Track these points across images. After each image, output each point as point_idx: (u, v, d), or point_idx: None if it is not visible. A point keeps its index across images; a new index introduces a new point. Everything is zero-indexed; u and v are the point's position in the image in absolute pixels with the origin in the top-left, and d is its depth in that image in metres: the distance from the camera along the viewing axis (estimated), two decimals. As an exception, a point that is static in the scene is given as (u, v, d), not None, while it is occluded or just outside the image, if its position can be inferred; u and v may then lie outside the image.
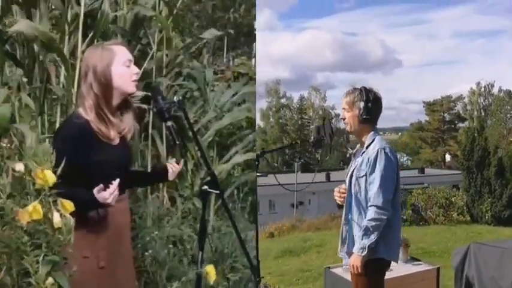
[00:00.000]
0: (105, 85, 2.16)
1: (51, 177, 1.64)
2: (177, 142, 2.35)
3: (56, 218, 1.70)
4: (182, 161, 2.51)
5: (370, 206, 2.73)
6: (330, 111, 50.71)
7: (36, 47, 3.24)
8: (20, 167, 1.59)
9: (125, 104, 2.28)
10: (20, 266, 1.66)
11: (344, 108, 2.92)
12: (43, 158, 1.67)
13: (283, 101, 50.62)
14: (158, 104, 2.31)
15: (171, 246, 3.59)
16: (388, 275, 3.81)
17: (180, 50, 4.50)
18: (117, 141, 2.26)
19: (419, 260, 4.50)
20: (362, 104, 2.82)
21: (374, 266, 2.79)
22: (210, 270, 2.22)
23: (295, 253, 9.91)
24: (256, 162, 2.83)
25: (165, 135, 4.27)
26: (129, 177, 2.37)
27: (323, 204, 26.78)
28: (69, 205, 1.77)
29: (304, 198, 30.00)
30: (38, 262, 1.66)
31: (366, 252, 2.72)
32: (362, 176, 2.80)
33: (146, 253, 3.53)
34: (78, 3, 3.41)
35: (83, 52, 3.32)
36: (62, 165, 1.76)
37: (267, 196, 28.27)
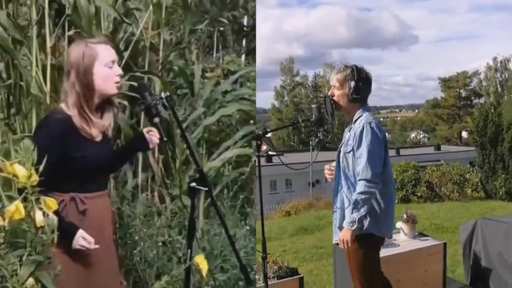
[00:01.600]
0: (87, 86, 2.24)
1: (21, 172, 1.72)
2: (165, 139, 2.45)
3: (39, 217, 1.79)
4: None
5: (359, 180, 2.82)
6: None
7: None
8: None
9: (107, 101, 2.37)
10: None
11: (334, 86, 3.03)
12: (24, 155, 1.76)
13: (297, 79, 51.17)
14: (145, 100, 2.39)
15: (160, 244, 3.68)
16: (394, 250, 4.11)
17: (170, 46, 4.57)
18: (99, 137, 2.35)
19: (426, 236, 4.64)
20: (353, 83, 2.94)
21: (364, 242, 2.89)
22: (201, 261, 2.23)
23: (310, 231, 10.18)
24: (258, 142, 2.90)
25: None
26: (111, 169, 2.50)
27: None
28: (53, 203, 1.85)
29: (321, 177, 30.57)
30: (21, 261, 1.75)
31: (355, 226, 2.81)
32: (349, 152, 2.92)
33: (135, 251, 3.62)
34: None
35: (51, 47, 3.40)
36: (44, 161, 1.87)
37: (284, 175, 29.49)
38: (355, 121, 2.97)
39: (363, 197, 2.79)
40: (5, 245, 1.73)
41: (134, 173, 4.27)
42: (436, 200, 16.12)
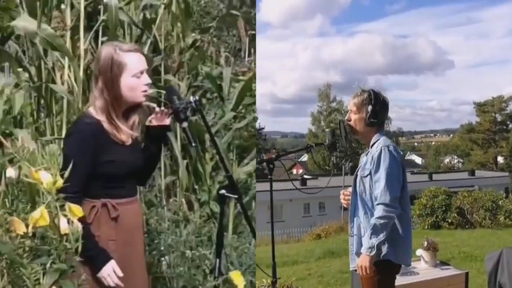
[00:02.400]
0: (115, 95, 2.23)
1: (46, 178, 1.68)
2: (193, 144, 2.40)
3: (63, 224, 1.75)
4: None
5: (378, 204, 2.76)
6: None
7: (40, 47, 3.33)
8: (10, 173, 1.63)
9: (133, 106, 2.34)
10: (19, 279, 1.69)
11: (351, 110, 3.00)
12: (49, 160, 1.72)
13: (333, 105, 52.04)
14: (173, 104, 2.36)
15: (188, 252, 3.63)
16: (413, 278, 4.01)
17: (191, 49, 4.56)
18: (129, 141, 2.32)
19: (448, 265, 4.52)
20: (370, 107, 2.89)
21: (381, 268, 2.81)
22: (236, 277, 2.19)
23: (337, 254, 10.01)
24: (271, 166, 2.91)
25: (181, 137, 4.33)
26: (142, 173, 2.45)
27: None
28: (77, 210, 1.81)
29: None
30: (44, 269, 1.71)
31: (374, 252, 2.74)
32: (366, 176, 2.86)
33: (162, 259, 3.58)
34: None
35: (84, 50, 3.41)
36: (74, 167, 1.84)
37: (317, 198, 29.18)
38: (372, 145, 2.93)
39: (382, 221, 2.73)
40: (28, 253, 1.68)
41: (160, 176, 4.24)
42: (467, 227, 15.79)
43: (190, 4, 4.50)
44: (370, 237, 2.74)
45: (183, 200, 4.44)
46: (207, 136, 4.24)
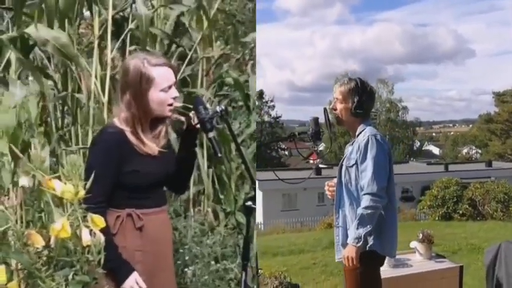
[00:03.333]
0: (143, 109, 2.22)
1: (59, 187, 1.65)
2: (220, 154, 2.36)
3: (85, 236, 1.72)
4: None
5: (364, 194, 2.73)
6: (397, 103, 51.85)
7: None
8: (24, 181, 1.61)
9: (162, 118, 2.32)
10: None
11: (337, 99, 2.95)
12: (71, 170, 1.70)
13: None
14: (200, 114, 2.33)
15: (213, 263, 3.59)
16: (406, 271, 4.01)
17: (220, 59, 4.55)
18: (156, 151, 2.29)
19: (443, 257, 4.46)
20: (357, 98, 2.85)
21: (365, 260, 2.76)
22: None
23: None
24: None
25: (207, 147, 4.31)
26: (177, 181, 2.43)
27: None
28: (100, 220, 1.78)
29: None
30: (66, 281, 1.68)
31: (361, 243, 2.70)
32: (352, 166, 2.83)
33: (186, 269, 3.55)
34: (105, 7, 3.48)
35: (112, 59, 3.41)
36: (92, 177, 1.82)
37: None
38: (358, 134, 2.89)
39: (369, 211, 2.69)
40: (47, 266, 1.65)
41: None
42: (478, 218, 15.69)
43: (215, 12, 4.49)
44: (357, 228, 2.71)
45: (209, 209, 4.41)
46: (232, 145, 4.22)
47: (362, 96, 2.86)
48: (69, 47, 2.87)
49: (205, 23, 4.19)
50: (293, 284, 3.84)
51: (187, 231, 3.88)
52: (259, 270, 2.88)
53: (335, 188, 2.98)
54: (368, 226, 2.69)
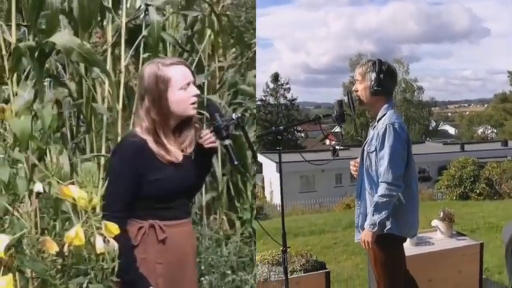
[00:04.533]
0: (162, 113, 2.19)
1: (76, 194, 1.66)
2: (236, 162, 2.35)
3: (99, 244, 1.72)
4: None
5: (381, 182, 2.86)
6: (413, 83, 51.83)
7: (80, 63, 3.38)
8: (38, 187, 1.61)
9: (185, 121, 2.30)
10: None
11: (357, 80, 3.05)
12: (85, 178, 1.71)
13: None
14: (215, 121, 2.32)
15: (229, 272, 3.58)
16: (427, 248, 4.17)
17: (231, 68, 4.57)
18: (180, 159, 2.26)
19: (464, 235, 4.56)
20: (374, 75, 2.93)
21: (385, 241, 2.93)
22: None
23: None
24: (279, 137, 2.94)
25: (221, 154, 4.31)
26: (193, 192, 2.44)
27: None
28: (114, 228, 1.78)
29: None
30: (81, 288, 1.68)
31: (376, 228, 2.86)
32: (372, 151, 2.95)
33: (202, 279, 3.54)
34: (118, 14, 3.51)
35: (125, 66, 3.44)
36: (107, 185, 1.83)
37: (349, 169, 29.03)
38: (378, 120, 2.98)
39: (384, 199, 2.83)
40: (61, 273, 1.65)
41: (201, 193, 4.22)
42: (495, 197, 15.68)
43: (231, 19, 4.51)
44: (373, 214, 2.85)
45: (224, 217, 4.40)
46: (248, 153, 4.21)
47: (379, 74, 2.93)
48: (94, 54, 2.90)
49: (217, 28, 4.21)
50: (319, 261, 3.94)
51: (203, 240, 3.87)
52: (288, 249, 2.97)
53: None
54: (383, 213, 2.83)
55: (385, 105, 2.98)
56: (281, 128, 2.97)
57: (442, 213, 4.46)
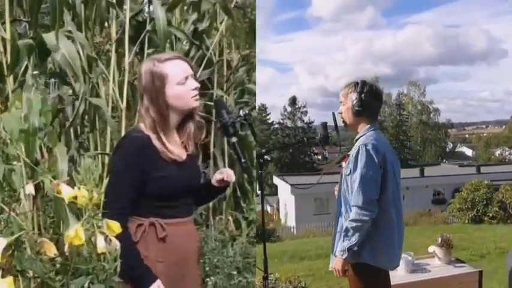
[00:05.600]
0: (161, 111, 2.16)
1: (68, 192, 1.62)
2: (243, 160, 2.30)
3: (100, 243, 1.68)
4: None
5: (352, 206, 2.73)
6: (429, 105, 52.63)
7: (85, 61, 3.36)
8: (30, 189, 1.58)
9: (188, 116, 2.26)
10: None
11: (341, 102, 2.99)
12: (85, 175, 1.67)
13: None
14: (222, 118, 2.29)
15: (234, 273, 3.55)
16: (423, 276, 4.04)
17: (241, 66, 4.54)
18: (183, 157, 2.23)
19: (463, 262, 4.42)
20: (355, 96, 2.86)
21: (361, 271, 2.79)
22: None
23: None
24: (261, 160, 2.84)
25: (228, 153, 4.27)
26: (197, 194, 2.36)
27: (417, 199, 28.24)
28: (116, 226, 1.74)
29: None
30: (82, 289, 1.65)
31: (346, 255, 2.72)
32: (348, 174, 2.82)
33: (207, 280, 3.51)
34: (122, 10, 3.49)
35: (130, 64, 3.41)
36: (108, 182, 1.79)
37: None
38: (356, 140, 2.89)
39: (354, 224, 2.70)
40: (61, 275, 1.62)
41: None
42: (509, 221, 15.40)
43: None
44: (343, 240, 2.73)
45: (230, 218, 4.37)
46: (254, 152, 4.17)
47: (361, 95, 2.86)
48: (76, 60, 2.87)
49: (226, 23, 4.18)
50: None
51: (208, 240, 3.84)
52: (270, 275, 2.88)
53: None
54: (353, 239, 2.69)
55: (367, 126, 2.89)
56: (263, 151, 2.89)
57: (440, 239, 4.33)
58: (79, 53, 3.10)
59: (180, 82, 2.18)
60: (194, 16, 4.13)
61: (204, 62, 4.14)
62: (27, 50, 2.68)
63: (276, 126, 50.03)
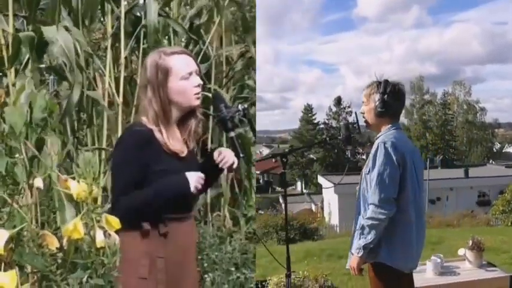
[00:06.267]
0: (163, 103, 2.16)
1: (74, 187, 1.61)
2: (242, 155, 2.29)
3: (99, 237, 1.68)
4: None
5: (369, 204, 2.72)
6: (475, 105, 51.76)
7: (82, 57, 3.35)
8: (38, 183, 1.58)
9: (190, 113, 2.26)
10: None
11: (363, 102, 2.95)
12: (85, 169, 1.67)
13: (426, 97, 51.98)
14: (221, 112, 2.27)
15: (233, 269, 3.54)
16: (452, 279, 3.98)
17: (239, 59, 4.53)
18: (184, 153, 2.23)
19: (494, 266, 4.33)
20: (378, 96, 2.83)
21: (380, 271, 2.78)
22: None
23: None
24: (284, 159, 2.89)
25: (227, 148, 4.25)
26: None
27: (461, 200, 28.32)
28: (115, 221, 1.75)
29: (442, 194, 30.36)
30: (81, 283, 1.65)
31: (362, 253, 2.71)
32: (368, 173, 2.80)
33: (205, 276, 3.51)
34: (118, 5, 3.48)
35: (125, 58, 3.40)
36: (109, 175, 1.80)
37: None
38: (375, 140, 2.86)
39: (370, 222, 2.68)
40: (61, 269, 1.62)
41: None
42: None
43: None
44: (359, 238, 2.72)
45: (227, 214, 4.37)
46: (253, 149, 4.17)
47: (384, 95, 2.82)
48: (72, 52, 2.86)
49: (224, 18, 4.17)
50: (334, 287, 3.88)
51: (206, 237, 3.84)
52: (293, 273, 2.93)
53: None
54: (369, 237, 2.68)
55: (388, 126, 2.87)
56: (286, 150, 2.96)
57: (470, 242, 4.26)
58: (75, 46, 3.08)
59: (184, 77, 2.18)
60: (192, 11, 4.11)
61: (201, 55, 4.13)
62: (29, 42, 2.67)
63: (322, 126, 50.20)
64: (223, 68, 4.46)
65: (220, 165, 2.28)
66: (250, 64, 4.58)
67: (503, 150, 58.48)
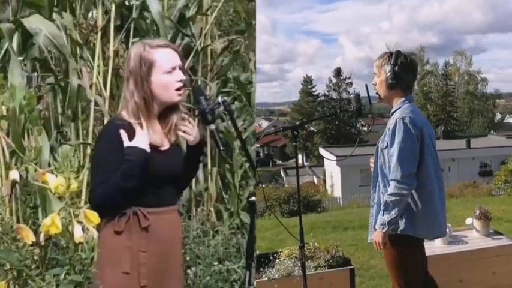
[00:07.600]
0: (145, 96, 2.13)
1: (53, 181, 1.57)
2: (222, 148, 2.28)
3: (78, 232, 1.63)
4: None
5: (391, 180, 2.72)
6: (476, 75, 51.11)
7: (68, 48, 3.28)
8: (14, 175, 1.54)
9: (172, 107, 2.23)
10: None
11: (375, 73, 2.91)
12: (62, 163, 1.62)
13: (427, 67, 51.08)
14: (200, 104, 2.24)
15: (216, 263, 3.51)
16: (459, 248, 4.01)
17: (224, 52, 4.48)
18: (166, 146, 2.21)
19: (501, 234, 4.36)
20: (389, 68, 2.79)
21: (398, 242, 2.80)
22: None
23: None
24: (295, 133, 2.85)
25: (210, 145, 4.21)
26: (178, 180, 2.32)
27: (463, 171, 28.25)
28: (94, 216, 1.70)
29: (444, 165, 29.93)
30: (58, 280, 1.60)
31: (386, 228, 2.72)
32: (385, 148, 2.80)
33: (189, 270, 3.47)
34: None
35: (114, 52, 3.34)
36: (84, 170, 1.75)
37: None
38: (392, 113, 2.84)
39: (393, 198, 2.69)
40: (38, 263, 1.57)
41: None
42: None
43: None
44: (383, 214, 2.73)
45: (212, 209, 4.33)
46: (235, 143, 4.13)
47: (395, 67, 2.78)
48: (60, 38, 2.79)
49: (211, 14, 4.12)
50: (345, 257, 3.91)
51: (189, 231, 3.80)
52: (306, 244, 2.95)
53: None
54: (393, 212, 2.69)
55: (402, 99, 2.83)
56: (297, 123, 2.94)
57: (478, 211, 4.27)
58: (62, 32, 3.01)
59: (167, 71, 2.15)
60: (181, 2, 4.03)
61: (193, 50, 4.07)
62: (8, 34, 2.60)
63: (322, 98, 48.87)
64: (209, 62, 4.39)
65: (179, 134, 2.27)
66: (238, 57, 4.53)
67: (504, 121, 58.03)
